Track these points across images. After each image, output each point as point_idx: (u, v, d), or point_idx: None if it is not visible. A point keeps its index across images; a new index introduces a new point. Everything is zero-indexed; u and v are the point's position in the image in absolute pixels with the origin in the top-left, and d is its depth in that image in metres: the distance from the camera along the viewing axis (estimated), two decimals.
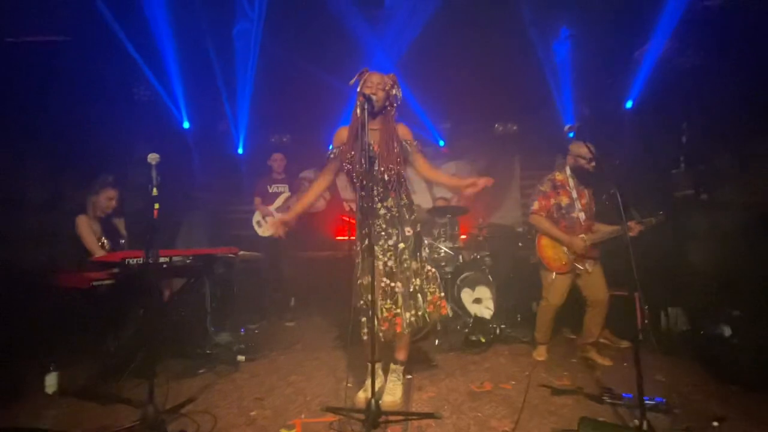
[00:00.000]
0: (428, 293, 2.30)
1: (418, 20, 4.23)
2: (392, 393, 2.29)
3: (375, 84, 2.24)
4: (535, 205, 3.05)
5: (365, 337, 2.21)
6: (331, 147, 2.42)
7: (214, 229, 5.29)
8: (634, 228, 2.88)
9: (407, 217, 2.32)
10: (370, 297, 2.09)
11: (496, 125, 5.66)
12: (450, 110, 5.40)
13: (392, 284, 2.24)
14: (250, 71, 4.62)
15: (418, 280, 2.28)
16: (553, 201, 3.00)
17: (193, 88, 4.52)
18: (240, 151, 5.42)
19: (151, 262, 2.00)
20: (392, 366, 2.37)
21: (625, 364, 2.91)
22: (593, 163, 2.88)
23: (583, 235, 2.94)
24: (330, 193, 6.08)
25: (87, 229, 2.95)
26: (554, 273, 3.01)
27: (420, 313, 2.24)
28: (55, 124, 3.49)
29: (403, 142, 2.32)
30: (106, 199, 3.05)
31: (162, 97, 4.29)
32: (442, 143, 5.75)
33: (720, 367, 2.65)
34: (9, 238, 3.03)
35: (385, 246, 2.26)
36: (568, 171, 3.01)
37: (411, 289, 2.26)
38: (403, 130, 2.35)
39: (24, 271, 2.83)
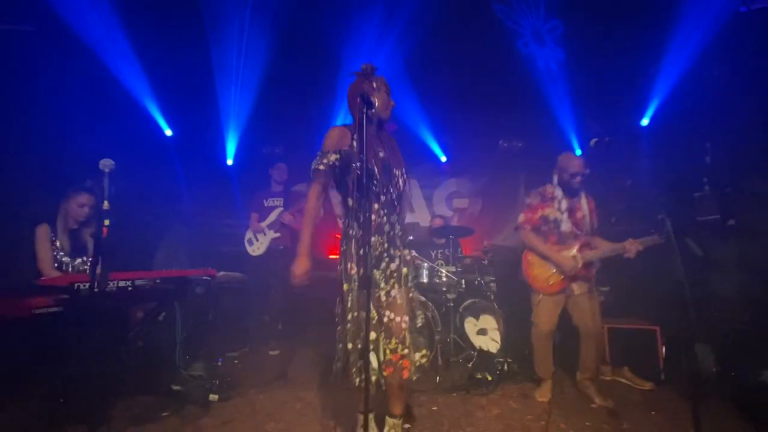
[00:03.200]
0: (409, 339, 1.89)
1: (419, 34, 4.01)
2: None
3: (386, 88, 2.02)
4: (521, 218, 2.86)
5: (359, 384, 1.84)
6: (320, 154, 1.97)
7: (198, 246, 4.92)
8: (631, 248, 2.61)
9: (405, 238, 2.00)
10: (372, 335, 1.78)
11: (501, 141, 5.40)
12: (452, 125, 5.14)
13: (397, 318, 1.86)
14: (241, 80, 4.34)
15: (421, 314, 1.94)
16: (539, 213, 2.79)
17: (179, 95, 4.22)
18: (230, 162, 5.10)
19: (97, 288, 1.64)
20: (389, 421, 1.98)
21: (653, 412, 2.54)
22: (578, 178, 2.71)
23: (575, 252, 2.68)
24: (323, 209, 5.76)
25: (45, 241, 2.57)
26: (540, 294, 2.75)
27: (431, 353, 1.85)
28: (26, 126, 3.16)
29: None
30: (78, 205, 2.67)
31: (143, 103, 3.98)
32: (444, 158, 5.48)
33: (759, 415, 2.30)
34: None
35: (388, 271, 1.90)
36: (555, 181, 2.82)
37: (419, 324, 1.91)
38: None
39: None
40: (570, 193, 2.78)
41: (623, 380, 3.14)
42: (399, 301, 1.87)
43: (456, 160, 5.55)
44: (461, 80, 4.31)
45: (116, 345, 2.33)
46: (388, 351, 1.82)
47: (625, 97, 3.92)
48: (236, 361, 3.53)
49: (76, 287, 1.97)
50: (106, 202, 1.64)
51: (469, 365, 3.17)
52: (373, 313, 1.85)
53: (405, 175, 1.99)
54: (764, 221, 2.95)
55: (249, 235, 4.20)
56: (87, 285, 1.98)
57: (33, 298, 2.03)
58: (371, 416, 1.99)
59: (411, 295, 1.94)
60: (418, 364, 1.85)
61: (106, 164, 1.68)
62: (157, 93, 4.05)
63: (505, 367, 3.14)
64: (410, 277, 1.96)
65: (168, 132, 4.38)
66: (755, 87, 2.92)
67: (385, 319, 1.84)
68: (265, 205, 4.23)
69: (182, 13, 3.47)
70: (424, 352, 1.87)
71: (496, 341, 3.39)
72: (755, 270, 2.96)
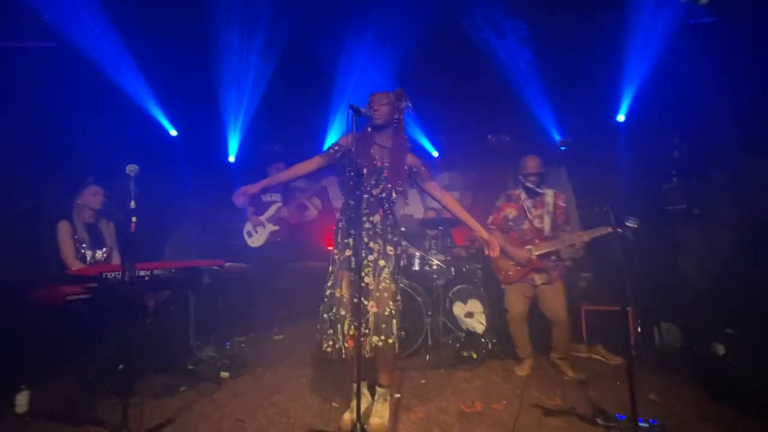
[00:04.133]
0: (396, 326, 2.13)
1: (410, 41, 4.22)
2: (380, 415, 2.20)
3: (377, 101, 2.25)
4: (489, 219, 3.23)
5: (328, 350, 2.15)
6: (331, 143, 2.37)
7: (204, 239, 5.19)
8: (579, 239, 2.89)
9: (390, 236, 2.25)
10: (342, 312, 2.13)
11: (489, 136, 5.65)
12: (443, 121, 5.37)
13: (366, 303, 2.13)
14: (242, 79, 4.57)
15: (392, 304, 2.16)
16: (502, 213, 3.16)
17: (182, 95, 4.45)
18: (231, 159, 5.35)
19: (126, 278, 1.91)
20: (378, 389, 2.28)
21: (618, 382, 2.84)
22: (532, 178, 3.04)
23: (529, 247, 3.00)
24: (321, 202, 6.03)
25: (67, 236, 2.81)
26: (504, 284, 3.14)
27: (390, 341, 2.09)
28: (38, 131, 3.40)
29: (414, 169, 2.31)
30: (92, 195, 2.90)
31: (148, 104, 4.21)
32: (436, 154, 5.72)
33: (714, 387, 2.59)
34: None
35: (365, 261, 2.19)
36: (519, 182, 3.15)
37: (386, 313, 2.13)
38: (411, 159, 2.32)
39: (3, 283, 2.71)
40: (531, 193, 3.06)
41: (597, 356, 3.44)
42: (371, 288, 2.16)
43: (448, 155, 5.79)
44: (451, 81, 4.54)
45: (137, 329, 2.58)
46: (352, 327, 2.11)
47: (602, 95, 4.16)
48: (243, 345, 3.82)
49: (104, 276, 2.25)
50: (132, 202, 1.90)
51: (457, 345, 3.46)
52: (346, 292, 2.17)
53: (401, 187, 2.26)
54: (725, 210, 3.21)
55: (248, 227, 4.46)
56: (114, 274, 2.25)
57: (66, 287, 2.31)
58: (364, 384, 2.29)
59: (384, 285, 2.15)
60: (373, 345, 2.07)
61: (132, 169, 1.94)
62: (162, 97, 4.29)
63: (490, 346, 3.44)
64: (388, 270, 2.18)
65: (173, 132, 4.62)
66: (718, 87, 3.15)
67: (355, 300, 2.08)
68: (263, 200, 4.48)
69: (186, 24, 3.68)
70: (382, 337, 2.07)
71: (482, 323, 3.68)
72: (717, 254, 3.23)
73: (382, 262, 2.19)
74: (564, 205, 3.11)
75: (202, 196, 5.09)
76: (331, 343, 2.14)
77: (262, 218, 4.41)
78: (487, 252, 2.35)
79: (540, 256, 2.99)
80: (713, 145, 3.28)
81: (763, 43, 2.59)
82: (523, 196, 3.12)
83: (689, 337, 3.13)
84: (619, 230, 2.56)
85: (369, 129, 2.29)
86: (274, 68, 4.30)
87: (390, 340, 2.09)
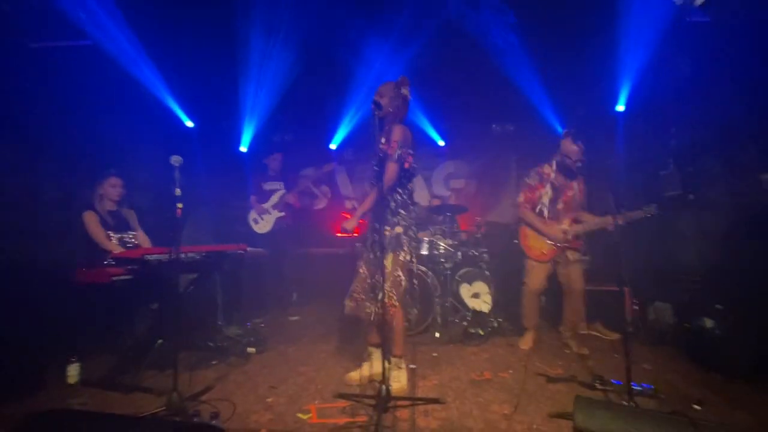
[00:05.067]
0: (387, 296, 2.38)
1: (418, 29, 4.35)
2: (398, 380, 2.45)
3: (379, 92, 2.46)
4: (521, 197, 3.26)
5: (368, 311, 2.47)
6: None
7: (217, 226, 5.39)
8: (611, 222, 2.93)
9: (389, 217, 2.47)
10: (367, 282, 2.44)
11: (494, 125, 5.82)
12: (449, 110, 5.53)
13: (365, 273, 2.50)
14: (255, 71, 4.70)
15: (388, 282, 2.39)
16: (537, 193, 3.19)
17: (197, 88, 4.60)
18: (244, 149, 5.52)
19: (174, 258, 2.12)
20: (392, 359, 2.51)
21: (615, 355, 3.09)
22: (578, 163, 3.07)
23: (565, 226, 3.13)
24: (329, 189, 6.23)
25: (95, 224, 3.00)
26: (533, 261, 3.22)
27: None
28: (67, 123, 3.57)
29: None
30: (111, 186, 3.10)
31: (166, 97, 4.36)
32: (442, 143, 5.89)
33: (702, 356, 2.84)
34: (25, 235, 3.11)
35: (370, 240, 2.49)
36: (554, 165, 3.18)
37: (394, 286, 2.42)
38: (395, 133, 2.41)
39: (43, 266, 2.92)
40: (569, 175, 3.15)
41: (596, 333, 3.69)
42: (384, 263, 2.37)
43: (453, 144, 5.96)
44: (457, 72, 4.69)
45: (174, 307, 2.79)
46: (356, 292, 2.45)
47: (603, 87, 4.31)
48: (263, 325, 4.06)
49: (145, 258, 2.45)
50: (178, 190, 2.09)
51: (465, 323, 3.69)
52: (365, 270, 2.51)
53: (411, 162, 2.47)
54: (718, 195, 3.41)
55: (253, 215, 4.66)
56: (155, 256, 2.46)
57: (111, 268, 2.51)
58: (378, 351, 2.53)
59: (389, 266, 2.40)
60: (369, 309, 2.44)
61: (177, 160, 2.12)
62: (179, 91, 4.46)
63: (495, 324, 3.68)
64: (392, 247, 2.42)
65: (189, 123, 4.79)
66: (712, 80, 3.32)
67: (362, 273, 2.47)
68: (264, 188, 4.68)
69: (208, 24, 3.82)
70: (377, 304, 2.40)
71: (488, 303, 3.91)
72: (709, 237, 3.44)
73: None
74: (584, 186, 3.23)
75: (215, 184, 5.27)
76: (367, 311, 2.47)
77: (267, 206, 4.61)
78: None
79: (575, 236, 3.14)
80: (706, 135, 3.46)
81: (752, 41, 2.76)
82: (555, 176, 3.16)
83: (681, 315, 3.36)
84: (648, 215, 2.76)
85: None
86: (289, 61, 4.44)
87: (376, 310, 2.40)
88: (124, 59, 3.77)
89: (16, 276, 2.81)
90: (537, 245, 3.23)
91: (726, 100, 3.13)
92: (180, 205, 2.08)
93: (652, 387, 2.33)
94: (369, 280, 2.49)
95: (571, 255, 3.17)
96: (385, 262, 2.39)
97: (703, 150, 3.53)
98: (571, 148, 3.08)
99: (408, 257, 2.48)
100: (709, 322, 2.96)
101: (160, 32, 3.88)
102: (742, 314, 2.74)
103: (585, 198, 3.29)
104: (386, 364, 2.56)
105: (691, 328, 3.14)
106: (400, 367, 2.51)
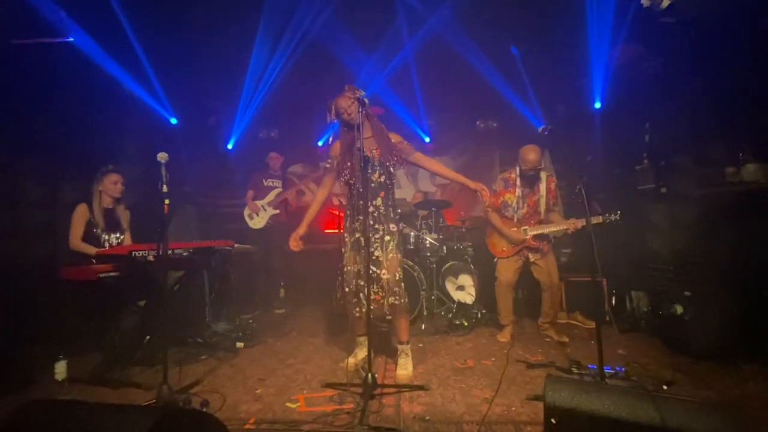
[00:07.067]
0: (399, 292, 2.50)
1: (404, 29, 4.41)
2: (405, 368, 2.55)
3: (344, 105, 2.47)
4: (486, 203, 3.37)
5: (357, 315, 2.55)
6: (328, 159, 2.69)
7: (203, 224, 5.38)
8: (572, 226, 3.12)
9: (392, 215, 2.58)
10: (361, 282, 2.45)
11: (478, 122, 5.93)
12: (433, 108, 5.62)
13: (378, 272, 2.50)
14: (240, 68, 4.70)
15: (400, 270, 2.54)
16: (501, 199, 3.38)
17: (180, 85, 4.58)
18: (230, 146, 5.51)
19: (162, 254, 2.15)
20: (399, 347, 2.62)
21: (593, 342, 3.18)
22: (532, 173, 3.22)
23: (525, 227, 3.30)
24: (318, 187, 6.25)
25: (79, 219, 2.96)
26: (496, 257, 3.46)
27: (404, 300, 2.50)
28: (51, 122, 3.53)
29: (399, 145, 2.59)
30: (111, 183, 3.09)
31: (147, 94, 4.34)
32: (427, 139, 5.98)
33: (673, 341, 2.99)
34: (10, 234, 3.08)
35: (373, 238, 2.51)
36: (518, 170, 3.32)
37: (396, 278, 2.50)
38: (393, 137, 2.61)
39: (28, 264, 2.90)
40: (529, 182, 3.29)
41: (575, 322, 3.83)
42: (380, 259, 2.51)
43: (438, 140, 6.04)
44: (442, 71, 4.78)
45: (161, 303, 2.82)
46: (372, 293, 2.44)
47: (581, 84, 4.45)
48: (251, 321, 4.09)
49: (133, 255, 2.47)
50: (164, 186, 2.12)
51: (450, 315, 3.79)
52: (360, 267, 2.51)
53: (393, 167, 2.58)
54: (689, 189, 3.57)
55: (248, 210, 4.69)
56: (142, 253, 2.48)
57: (99, 265, 2.53)
58: (365, 339, 2.61)
59: (391, 255, 2.52)
60: (389, 304, 2.47)
61: (163, 156, 2.14)
62: (165, 89, 4.44)
63: (479, 316, 3.79)
64: (393, 243, 2.54)
65: (173, 120, 4.77)
66: (685, 78, 3.47)
67: (370, 272, 2.43)
68: (265, 184, 4.72)
69: (193, 20, 3.82)
70: (396, 297, 2.48)
71: (472, 295, 4.02)
72: (681, 228, 3.60)
73: (387, 238, 2.53)
74: (555, 187, 3.36)
75: (201, 181, 5.26)
76: (358, 309, 2.54)
77: (262, 203, 4.65)
78: (482, 201, 2.63)
79: (534, 237, 3.27)
80: (678, 132, 3.62)
81: (716, 42, 2.91)
82: (519, 181, 3.30)
83: (655, 302, 3.51)
84: (608, 220, 2.93)
85: (346, 130, 2.55)
86: (275, 58, 4.46)
87: (404, 300, 2.50)
88: (107, 56, 3.74)
89: (1, 274, 2.79)
90: (499, 243, 3.44)
91: (695, 98, 3.28)
92: (167, 201, 2.11)
93: (624, 369, 2.47)
94: (357, 280, 2.53)
95: (532, 255, 3.31)
96: (392, 257, 2.50)
97: (674, 145, 3.69)
98: (527, 157, 3.19)
99: (402, 253, 2.62)
100: (679, 308, 3.11)
101: (144, 29, 3.86)
102: (708, 300, 2.89)
103: (557, 198, 3.41)
104: (366, 344, 2.66)
105: (663, 315, 3.30)
106: (407, 354, 2.61)
